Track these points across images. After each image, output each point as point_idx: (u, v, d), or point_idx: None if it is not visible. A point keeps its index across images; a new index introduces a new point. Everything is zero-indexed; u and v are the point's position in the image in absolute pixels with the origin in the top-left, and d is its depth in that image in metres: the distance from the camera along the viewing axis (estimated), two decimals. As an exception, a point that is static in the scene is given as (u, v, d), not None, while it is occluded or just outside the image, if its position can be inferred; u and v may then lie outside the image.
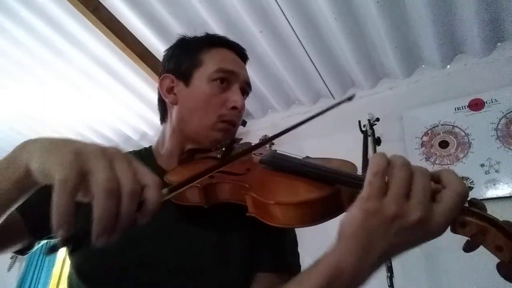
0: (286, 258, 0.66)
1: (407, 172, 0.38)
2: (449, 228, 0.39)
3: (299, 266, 0.67)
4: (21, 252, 0.65)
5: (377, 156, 0.40)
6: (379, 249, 0.38)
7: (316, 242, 0.81)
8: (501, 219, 0.39)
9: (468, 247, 0.38)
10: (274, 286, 0.55)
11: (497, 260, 0.37)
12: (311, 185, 0.48)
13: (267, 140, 0.62)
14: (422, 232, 0.38)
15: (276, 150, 0.69)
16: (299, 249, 0.71)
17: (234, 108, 0.70)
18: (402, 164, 0.39)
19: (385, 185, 0.38)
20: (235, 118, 0.72)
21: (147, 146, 0.83)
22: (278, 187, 0.53)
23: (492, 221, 0.37)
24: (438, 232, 0.38)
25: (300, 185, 0.51)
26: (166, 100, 0.76)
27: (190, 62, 0.73)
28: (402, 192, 0.37)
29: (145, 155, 0.78)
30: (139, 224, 0.35)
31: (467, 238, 0.38)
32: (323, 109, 0.66)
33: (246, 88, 0.76)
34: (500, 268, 0.35)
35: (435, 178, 0.40)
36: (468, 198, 0.39)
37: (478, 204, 0.40)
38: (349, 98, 0.75)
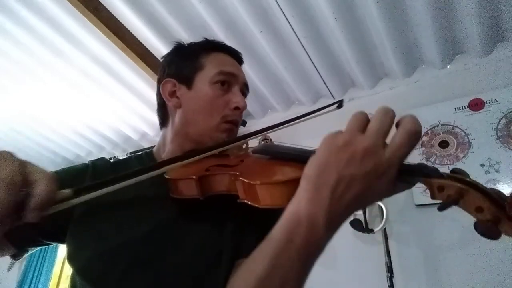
0: None
1: (364, 113, 0.42)
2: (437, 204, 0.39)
3: None
4: (14, 256, 0.67)
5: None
6: (330, 181, 0.38)
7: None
8: None
9: (441, 206, 0.38)
10: None
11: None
12: (299, 167, 0.49)
13: (255, 132, 0.64)
14: (372, 167, 0.38)
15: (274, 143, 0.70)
16: None
17: (236, 108, 0.73)
18: (362, 111, 0.42)
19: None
20: (238, 118, 0.75)
21: (147, 146, 0.83)
22: (266, 170, 0.55)
23: (472, 184, 0.37)
24: (388, 170, 0.38)
25: (287, 167, 0.53)
26: (169, 104, 0.77)
27: (191, 66, 0.76)
28: (355, 126, 0.40)
29: (146, 159, 0.79)
30: (28, 220, 0.36)
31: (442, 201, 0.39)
32: (306, 113, 0.68)
33: (244, 90, 0.80)
34: (478, 225, 0.36)
35: (396, 123, 0.42)
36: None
37: (460, 173, 0.40)
38: (339, 106, 0.74)
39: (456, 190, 0.37)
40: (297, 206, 0.40)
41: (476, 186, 0.37)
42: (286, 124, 0.66)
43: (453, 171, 0.40)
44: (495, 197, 0.36)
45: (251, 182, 0.49)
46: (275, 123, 0.64)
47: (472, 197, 0.37)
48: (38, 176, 0.36)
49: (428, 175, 0.39)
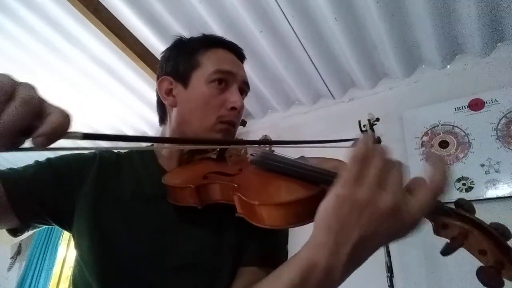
0: (273, 254, 0.66)
1: (385, 162, 0.38)
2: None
3: None
4: (13, 232, 0.64)
5: (361, 142, 0.39)
6: (352, 239, 0.37)
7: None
8: (501, 219, 0.37)
9: (445, 250, 0.36)
10: (257, 280, 0.55)
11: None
12: (297, 185, 0.48)
13: (255, 142, 0.63)
14: (394, 223, 0.37)
15: (273, 151, 0.69)
16: (295, 248, 0.71)
17: (233, 108, 0.70)
18: (381, 155, 0.39)
19: (362, 173, 0.38)
20: (234, 119, 0.72)
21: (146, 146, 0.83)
22: (264, 187, 0.53)
23: (477, 224, 0.36)
24: (411, 225, 0.37)
25: (286, 185, 0.50)
26: (165, 103, 0.76)
27: (187, 64, 0.73)
28: (376, 180, 0.37)
29: (147, 155, 0.78)
30: (34, 143, 0.34)
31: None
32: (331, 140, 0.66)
33: (244, 88, 0.76)
34: (480, 272, 0.34)
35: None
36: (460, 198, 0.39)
37: (465, 205, 0.38)
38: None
39: (460, 230, 0.36)
40: (315, 256, 0.39)
41: (480, 227, 0.35)
42: (290, 145, 0.64)
43: (457, 203, 0.39)
44: (499, 239, 0.34)
45: (250, 202, 0.47)
46: (278, 139, 0.63)
47: (476, 238, 0.35)
48: (54, 109, 0.35)
49: (433, 212, 0.37)
